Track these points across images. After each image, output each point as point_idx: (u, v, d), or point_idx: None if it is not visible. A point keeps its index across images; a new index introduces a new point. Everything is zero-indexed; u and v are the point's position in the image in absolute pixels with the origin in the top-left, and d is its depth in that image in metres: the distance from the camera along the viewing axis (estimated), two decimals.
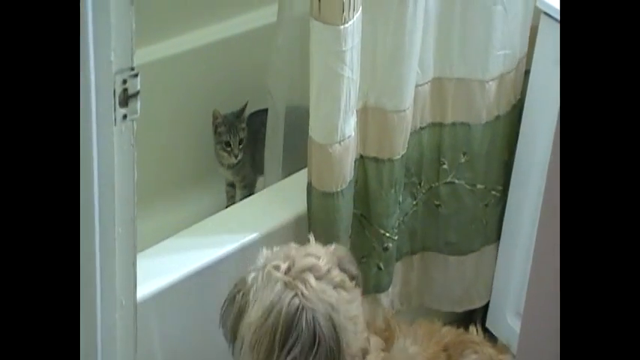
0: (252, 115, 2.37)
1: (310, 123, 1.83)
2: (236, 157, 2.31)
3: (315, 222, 1.87)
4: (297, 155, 2.00)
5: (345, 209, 1.87)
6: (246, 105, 2.31)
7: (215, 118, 2.31)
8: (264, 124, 2.21)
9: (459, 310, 2.27)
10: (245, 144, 2.34)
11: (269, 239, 1.86)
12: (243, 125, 2.31)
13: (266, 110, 2.21)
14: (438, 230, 2.14)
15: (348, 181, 1.86)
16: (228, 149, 2.31)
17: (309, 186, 1.86)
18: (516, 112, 2.12)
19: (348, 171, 1.85)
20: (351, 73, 1.77)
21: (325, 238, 1.86)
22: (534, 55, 2.05)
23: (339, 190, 1.84)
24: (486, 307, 2.32)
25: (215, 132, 2.33)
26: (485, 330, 2.34)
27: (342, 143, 1.81)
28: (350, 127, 1.83)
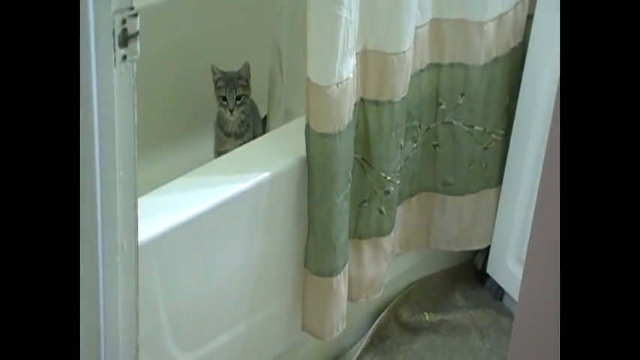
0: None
1: (308, 65, 1.81)
2: (231, 112, 2.23)
3: (313, 164, 1.87)
4: (299, 99, 1.99)
5: (344, 152, 1.87)
6: (247, 65, 2.25)
7: (213, 73, 2.25)
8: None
9: (456, 249, 2.28)
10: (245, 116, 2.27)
11: (274, 181, 1.86)
12: (243, 82, 2.24)
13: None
14: (435, 170, 2.15)
15: (347, 123, 1.85)
16: (225, 103, 2.24)
17: (307, 127, 1.85)
18: (517, 55, 2.12)
19: (346, 113, 1.84)
20: (349, 14, 1.75)
21: (323, 181, 1.87)
22: None
23: (336, 131, 1.83)
24: (487, 252, 2.33)
25: (215, 86, 2.27)
26: (487, 276, 2.35)
27: (339, 85, 1.80)
28: (348, 69, 1.82)
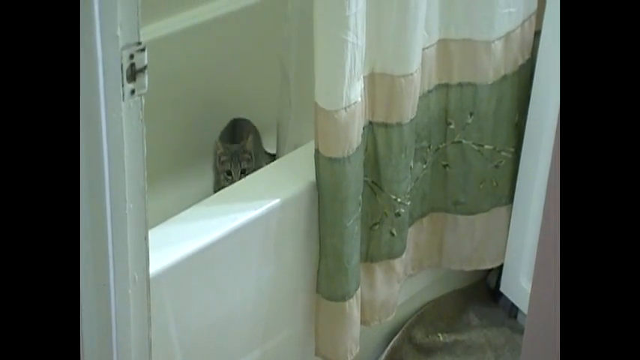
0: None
1: (315, 89, 1.81)
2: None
3: (322, 188, 1.87)
4: (309, 126, 1.98)
5: (353, 176, 1.86)
6: (249, 137, 2.25)
7: (217, 148, 2.24)
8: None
9: (469, 268, 2.27)
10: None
11: (284, 208, 1.85)
12: (248, 156, 2.23)
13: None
14: (446, 190, 2.14)
15: (355, 147, 1.85)
16: (229, 177, 2.22)
17: (317, 152, 1.85)
18: (525, 72, 2.11)
19: (354, 137, 1.84)
20: (356, 38, 1.75)
21: (333, 205, 1.86)
22: (545, 15, 2.04)
23: (345, 156, 1.83)
24: (500, 271, 2.32)
25: (218, 160, 2.25)
26: (500, 294, 2.34)
27: (347, 109, 1.80)
28: (356, 92, 1.81)
